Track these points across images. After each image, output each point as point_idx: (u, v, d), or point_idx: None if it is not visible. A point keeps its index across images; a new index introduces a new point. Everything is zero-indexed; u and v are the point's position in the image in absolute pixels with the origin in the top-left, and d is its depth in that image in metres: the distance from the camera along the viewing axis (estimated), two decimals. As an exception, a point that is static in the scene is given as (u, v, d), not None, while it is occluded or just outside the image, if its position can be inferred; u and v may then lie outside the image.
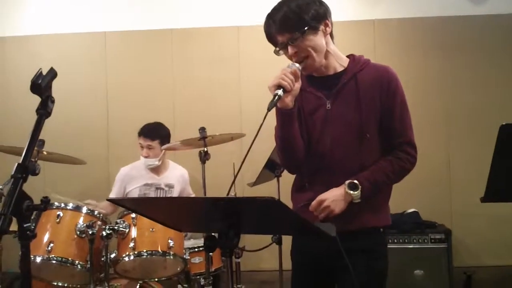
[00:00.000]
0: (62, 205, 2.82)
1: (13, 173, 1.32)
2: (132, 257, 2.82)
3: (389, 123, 1.91)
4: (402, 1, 4.70)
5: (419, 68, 4.52)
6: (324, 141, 1.92)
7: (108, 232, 2.76)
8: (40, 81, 1.41)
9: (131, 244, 2.82)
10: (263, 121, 1.66)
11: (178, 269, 3.02)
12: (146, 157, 3.74)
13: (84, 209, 2.85)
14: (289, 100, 1.81)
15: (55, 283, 2.88)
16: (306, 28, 1.82)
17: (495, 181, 1.88)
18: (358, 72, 1.93)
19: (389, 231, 2.04)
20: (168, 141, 3.80)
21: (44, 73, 1.43)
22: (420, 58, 4.55)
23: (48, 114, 1.44)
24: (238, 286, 3.49)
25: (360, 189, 1.83)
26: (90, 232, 2.69)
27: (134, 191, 3.79)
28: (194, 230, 3.20)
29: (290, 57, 1.88)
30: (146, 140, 3.72)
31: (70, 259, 2.71)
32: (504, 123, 1.81)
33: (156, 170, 3.83)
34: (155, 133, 3.75)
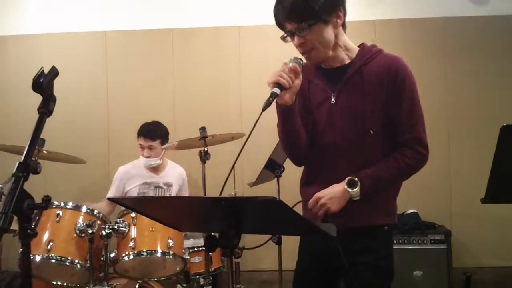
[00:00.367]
0: (62, 204, 2.81)
1: (14, 171, 1.32)
2: (131, 257, 2.82)
3: (396, 116, 1.85)
4: (403, 1, 4.69)
5: (419, 69, 4.47)
6: (328, 135, 1.89)
7: (108, 231, 2.75)
8: (41, 80, 1.41)
9: (131, 244, 2.82)
10: (257, 120, 1.65)
11: (178, 268, 3.02)
12: (148, 157, 3.73)
13: (84, 208, 2.85)
14: (288, 97, 1.79)
15: (55, 282, 2.87)
16: (315, 21, 1.76)
17: (495, 182, 1.88)
18: (365, 64, 1.87)
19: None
20: (167, 140, 3.80)
21: (45, 71, 1.43)
22: (421, 59, 4.55)
23: (49, 113, 1.44)
24: (237, 286, 3.49)
25: (359, 186, 1.79)
26: (90, 232, 2.69)
27: (133, 190, 3.79)
28: (195, 230, 3.19)
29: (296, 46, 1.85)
30: (147, 141, 3.71)
31: (69, 258, 2.70)
32: (505, 124, 1.80)
33: (154, 169, 3.83)
34: (155, 133, 3.75)
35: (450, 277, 3.86)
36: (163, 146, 3.68)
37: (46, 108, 1.43)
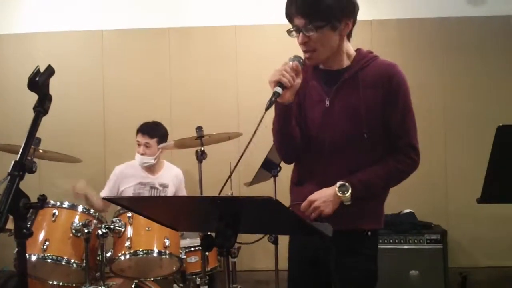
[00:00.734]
0: (58, 203, 2.81)
1: (10, 170, 1.31)
2: (128, 256, 2.82)
3: (389, 121, 1.87)
4: (400, 1, 4.70)
5: (416, 69, 4.51)
6: (321, 138, 1.91)
7: (104, 231, 2.75)
8: (37, 79, 1.41)
9: (127, 243, 2.81)
10: (260, 120, 1.65)
11: (174, 268, 3.02)
12: (142, 154, 3.72)
13: (80, 208, 2.84)
14: (288, 96, 1.80)
15: (50, 282, 2.87)
16: (323, 24, 1.77)
17: (491, 182, 1.88)
18: (361, 69, 1.89)
19: (379, 232, 2.01)
20: (165, 141, 3.79)
21: (41, 70, 1.43)
22: (418, 59, 4.56)
23: (45, 112, 1.43)
24: (233, 286, 3.48)
25: (350, 191, 1.82)
26: (86, 231, 2.68)
27: (128, 189, 3.78)
28: (191, 229, 3.18)
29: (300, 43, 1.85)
30: (145, 138, 3.71)
31: (65, 257, 2.70)
32: (501, 124, 1.81)
33: (150, 169, 3.83)
34: (154, 131, 3.75)
35: (446, 277, 3.87)
36: (159, 146, 3.68)
37: (41, 107, 1.43)
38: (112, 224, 2.82)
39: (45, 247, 2.66)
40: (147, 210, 1.63)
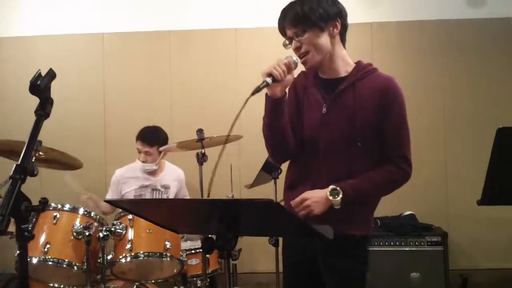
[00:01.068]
0: (59, 206, 2.81)
1: (11, 174, 1.32)
2: (128, 259, 2.82)
3: (384, 133, 1.91)
4: (400, 4, 4.71)
5: (416, 70, 4.53)
6: (316, 144, 1.94)
7: (105, 233, 2.75)
8: (39, 82, 1.41)
9: (128, 246, 2.82)
10: (244, 104, 1.76)
11: (175, 271, 3.02)
12: (143, 162, 3.72)
13: (81, 211, 2.85)
14: (278, 90, 1.85)
15: (51, 284, 2.87)
16: (310, 26, 1.87)
17: (491, 184, 1.88)
18: (359, 80, 1.93)
19: (374, 235, 2.03)
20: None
21: (43, 74, 1.43)
22: (418, 61, 4.57)
23: (46, 115, 1.44)
24: (234, 288, 3.49)
25: (341, 195, 1.85)
26: (87, 234, 2.69)
27: (130, 193, 3.78)
28: (192, 232, 3.18)
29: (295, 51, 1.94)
30: (145, 146, 3.69)
31: (66, 260, 2.70)
32: (501, 126, 1.81)
33: (152, 171, 3.82)
34: (154, 139, 3.71)
35: (447, 279, 3.87)
36: (161, 148, 3.67)
37: (43, 111, 1.43)
38: (113, 226, 2.83)
39: (46, 249, 2.66)
40: (148, 213, 1.64)
